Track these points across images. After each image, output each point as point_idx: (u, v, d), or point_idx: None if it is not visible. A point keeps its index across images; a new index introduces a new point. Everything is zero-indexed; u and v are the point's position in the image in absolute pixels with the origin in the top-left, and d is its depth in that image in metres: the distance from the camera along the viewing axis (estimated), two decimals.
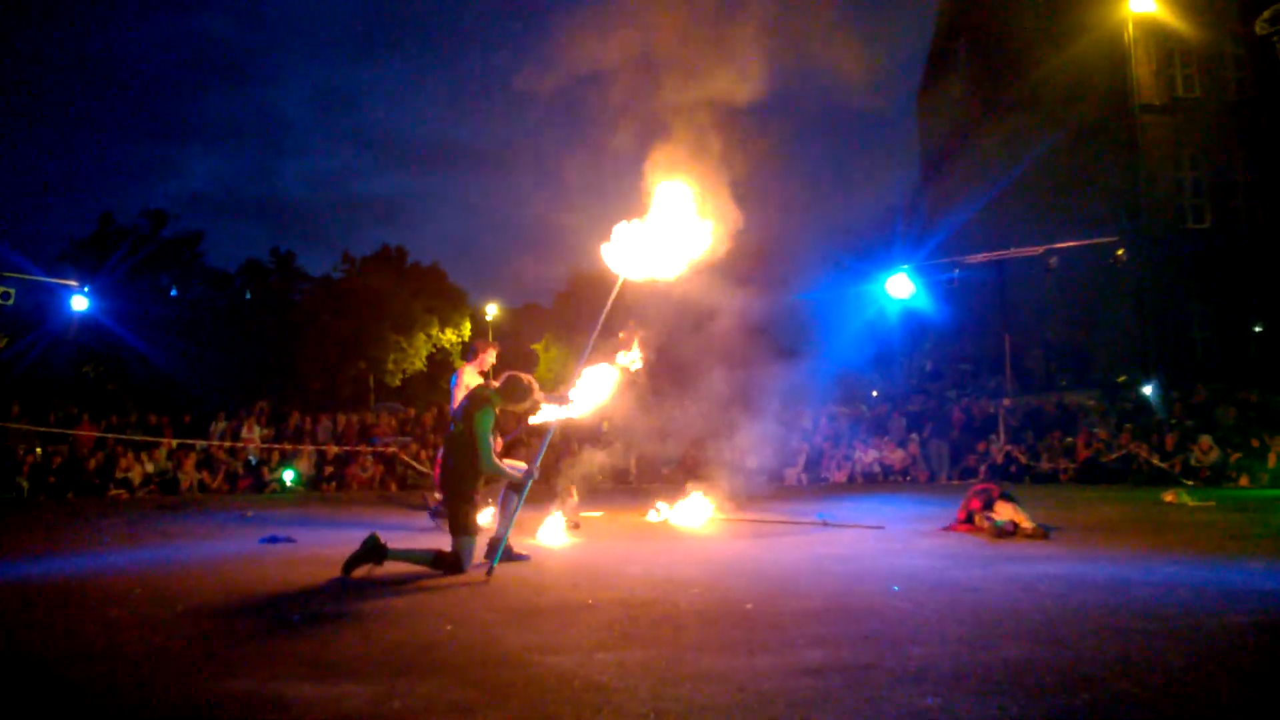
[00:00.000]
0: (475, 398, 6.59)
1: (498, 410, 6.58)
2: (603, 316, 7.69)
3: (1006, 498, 8.40)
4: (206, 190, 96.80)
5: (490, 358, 8.89)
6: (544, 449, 7.28)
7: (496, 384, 6.73)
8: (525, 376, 6.72)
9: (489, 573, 6.12)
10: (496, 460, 6.49)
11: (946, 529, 8.61)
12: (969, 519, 8.48)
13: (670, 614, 4.79)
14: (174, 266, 38.39)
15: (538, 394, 6.84)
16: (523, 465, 6.77)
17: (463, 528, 6.26)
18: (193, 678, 3.63)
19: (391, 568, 6.06)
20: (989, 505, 8.35)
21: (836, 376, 18.84)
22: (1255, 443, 15.11)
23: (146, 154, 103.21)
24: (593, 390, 7.58)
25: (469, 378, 8.50)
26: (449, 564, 6.15)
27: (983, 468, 16.75)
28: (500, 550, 6.43)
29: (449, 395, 8.86)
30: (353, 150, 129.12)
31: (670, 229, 7.88)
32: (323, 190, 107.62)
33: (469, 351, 9.21)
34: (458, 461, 6.42)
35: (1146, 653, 3.86)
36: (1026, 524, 7.91)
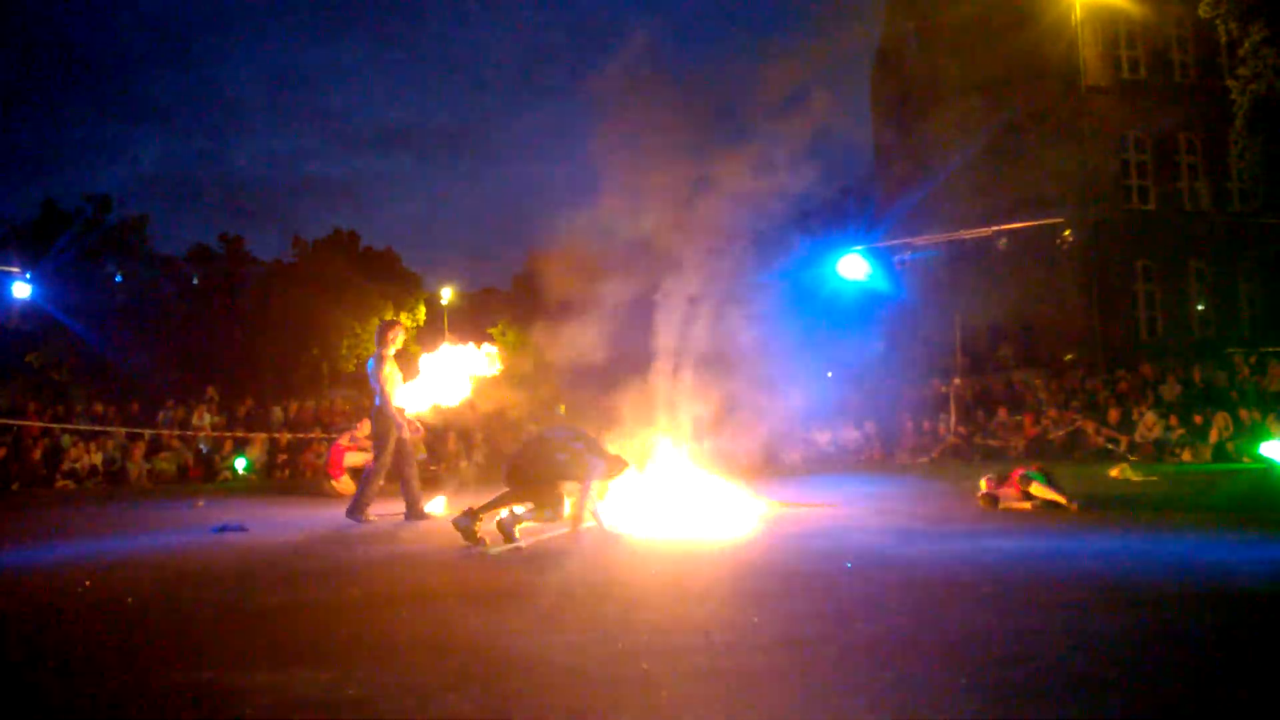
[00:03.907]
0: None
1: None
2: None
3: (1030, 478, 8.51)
4: (153, 173, 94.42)
5: (399, 339, 8.88)
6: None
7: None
8: (624, 461, 7.41)
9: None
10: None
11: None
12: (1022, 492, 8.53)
13: (627, 594, 4.82)
14: (120, 252, 37.46)
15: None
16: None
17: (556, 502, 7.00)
18: (145, 669, 3.59)
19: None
20: (1025, 481, 8.45)
21: (793, 357, 18.91)
22: (1198, 419, 15.50)
23: (90, 136, 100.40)
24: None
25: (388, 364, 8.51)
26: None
27: (937, 448, 17.02)
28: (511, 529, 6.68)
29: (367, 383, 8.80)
30: (305, 132, 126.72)
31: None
32: (274, 173, 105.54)
33: (385, 333, 9.01)
34: (537, 470, 7.03)
35: (1089, 623, 3.96)
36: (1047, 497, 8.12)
